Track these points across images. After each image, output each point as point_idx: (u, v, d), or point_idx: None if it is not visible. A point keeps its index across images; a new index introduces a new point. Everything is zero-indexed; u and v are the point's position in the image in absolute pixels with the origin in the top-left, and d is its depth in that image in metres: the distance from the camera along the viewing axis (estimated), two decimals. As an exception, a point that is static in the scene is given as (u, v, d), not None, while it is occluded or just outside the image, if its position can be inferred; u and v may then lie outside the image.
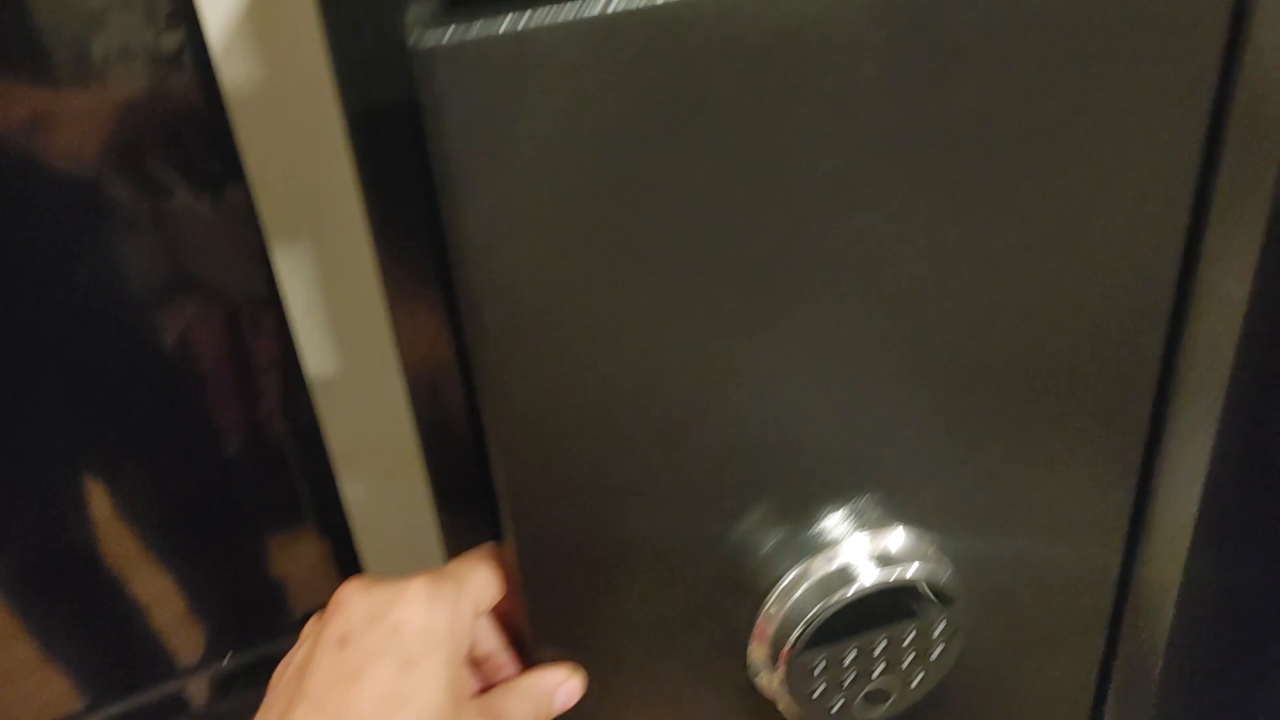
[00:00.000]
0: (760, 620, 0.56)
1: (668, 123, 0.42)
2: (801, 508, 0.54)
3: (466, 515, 0.57)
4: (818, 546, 0.55)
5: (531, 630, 0.54)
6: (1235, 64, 0.48)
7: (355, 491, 0.99)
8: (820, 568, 0.55)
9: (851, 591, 0.53)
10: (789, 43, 0.42)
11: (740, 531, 0.54)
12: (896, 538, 0.56)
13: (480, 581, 0.52)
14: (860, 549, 0.55)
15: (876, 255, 0.48)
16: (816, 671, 0.55)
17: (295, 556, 0.99)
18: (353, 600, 0.49)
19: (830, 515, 0.55)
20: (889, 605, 0.55)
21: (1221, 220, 0.52)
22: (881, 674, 0.57)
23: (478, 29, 0.39)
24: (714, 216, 0.45)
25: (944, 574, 0.56)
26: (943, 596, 0.55)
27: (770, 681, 0.56)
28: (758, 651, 0.56)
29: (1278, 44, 0.48)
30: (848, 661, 0.55)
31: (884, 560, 0.55)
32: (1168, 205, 0.51)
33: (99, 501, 0.91)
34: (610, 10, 0.40)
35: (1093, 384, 0.55)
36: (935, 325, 0.51)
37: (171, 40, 0.78)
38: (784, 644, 0.54)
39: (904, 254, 0.48)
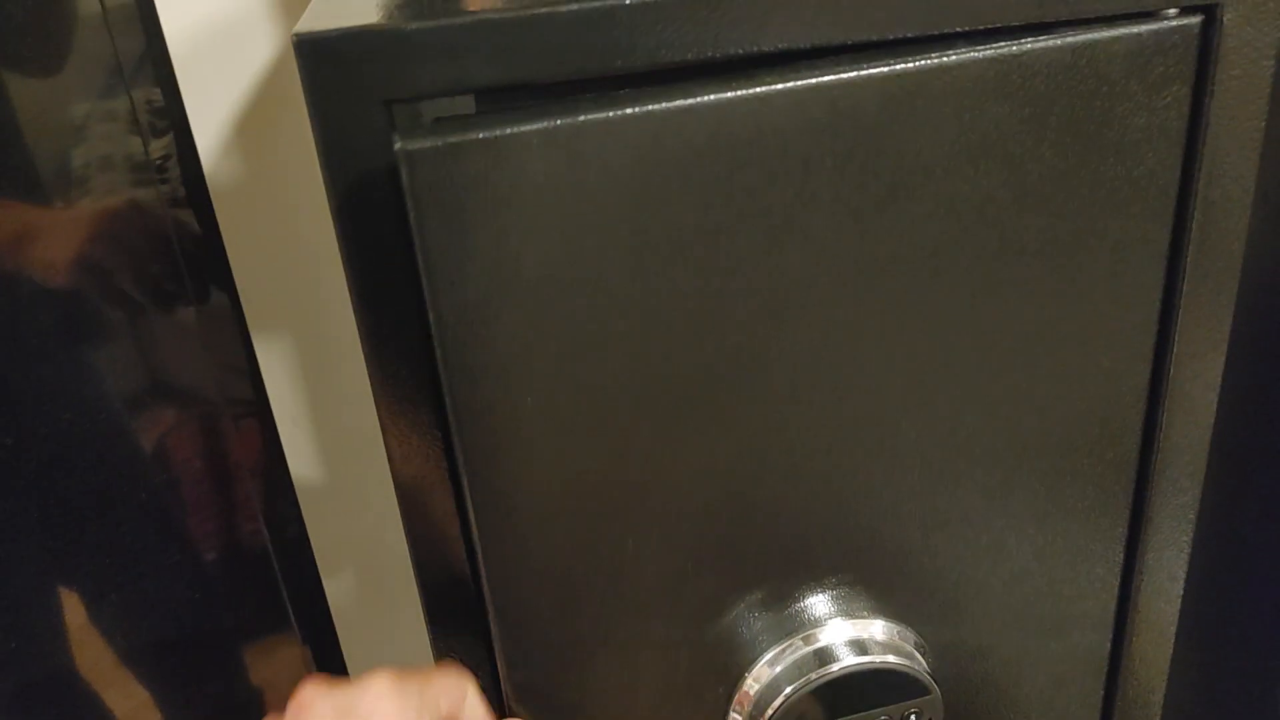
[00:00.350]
0: (738, 696, 0.56)
1: (627, 226, 0.44)
2: (783, 591, 0.54)
3: (456, 622, 0.57)
4: (797, 628, 0.55)
5: (512, 708, 0.53)
6: (1191, 185, 0.49)
7: (341, 598, 0.98)
8: (798, 649, 0.55)
9: (826, 674, 0.53)
10: (744, 154, 0.44)
11: (721, 612, 0.54)
12: (876, 625, 0.56)
13: (445, 686, 0.51)
14: (839, 634, 0.55)
15: (842, 361, 0.49)
16: None
17: (279, 665, 0.97)
18: (318, 701, 0.48)
19: (812, 599, 0.55)
20: (864, 691, 0.55)
21: (1187, 333, 0.53)
22: None
23: (457, 135, 0.41)
24: (673, 315, 0.46)
25: (920, 664, 0.55)
26: (918, 686, 0.55)
27: None
28: None
29: (1231, 162, 0.49)
30: None
31: (861, 647, 0.55)
32: (1134, 316, 0.52)
33: (77, 618, 0.90)
34: (577, 120, 0.41)
35: (1072, 486, 0.55)
36: (911, 428, 0.51)
37: (159, 147, 0.79)
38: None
39: (868, 362, 0.49)
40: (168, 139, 0.79)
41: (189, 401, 0.87)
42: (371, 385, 0.48)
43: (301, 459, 0.92)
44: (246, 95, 0.79)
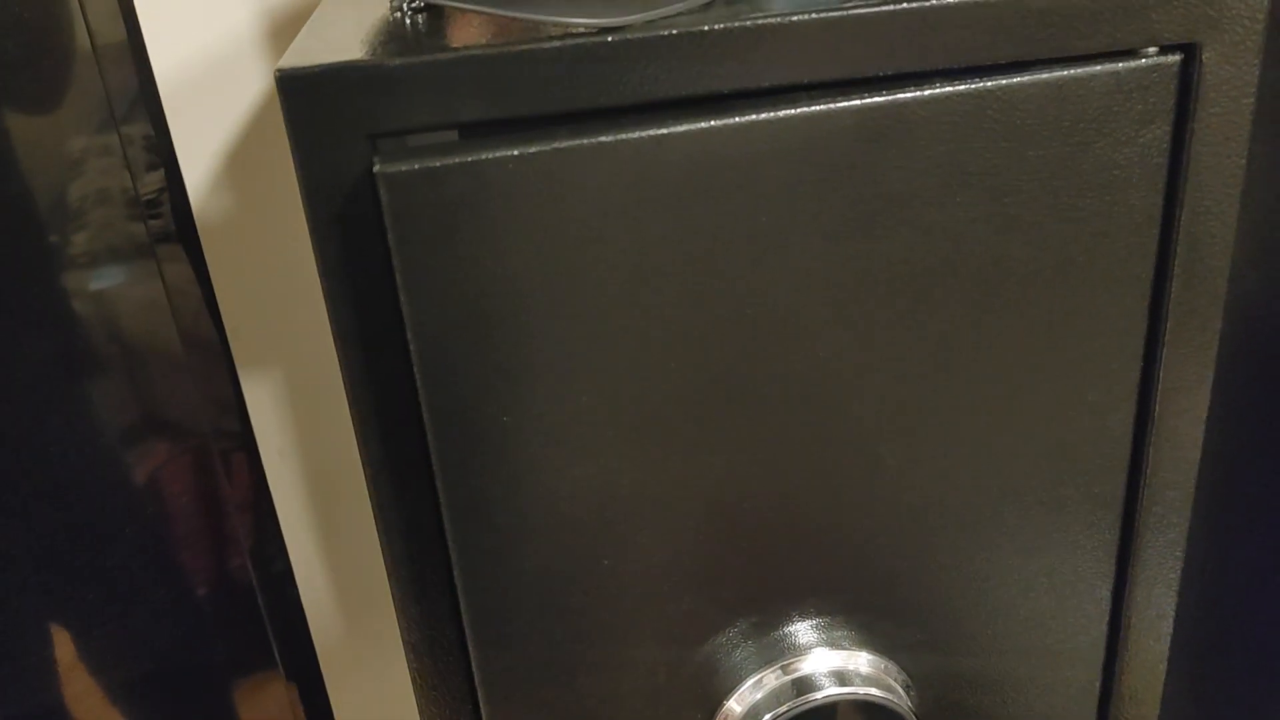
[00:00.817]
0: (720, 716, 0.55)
1: (606, 251, 0.44)
2: (766, 618, 0.54)
3: (435, 649, 0.56)
4: (779, 656, 0.55)
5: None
6: (1174, 220, 0.50)
7: (325, 634, 0.98)
8: (779, 677, 0.55)
9: (806, 703, 0.53)
10: (721, 182, 0.44)
11: (703, 636, 0.54)
12: (860, 656, 0.56)
13: None
14: (822, 663, 0.55)
15: (826, 387, 0.49)
16: None
17: (264, 701, 0.97)
18: None
19: (795, 627, 0.55)
20: (842, 714, 0.54)
21: (1172, 368, 0.53)
22: None
23: (436, 159, 0.41)
24: (651, 340, 0.46)
25: (902, 698, 0.55)
26: (896, 718, 0.55)
27: None
28: None
29: (1214, 197, 0.49)
30: None
31: (843, 678, 0.54)
32: (1119, 350, 0.52)
33: (64, 653, 0.89)
34: (555, 146, 0.42)
35: (1058, 519, 0.55)
36: (895, 456, 0.51)
37: (150, 183, 0.80)
38: None
39: (852, 389, 0.49)
40: (158, 174, 0.79)
41: (175, 435, 0.86)
42: (351, 410, 0.48)
43: (287, 493, 0.92)
44: (235, 132, 0.79)
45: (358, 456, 0.50)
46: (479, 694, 0.53)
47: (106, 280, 0.80)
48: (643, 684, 0.54)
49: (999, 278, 0.49)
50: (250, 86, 0.78)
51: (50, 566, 0.85)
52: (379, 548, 0.52)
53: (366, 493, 0.51)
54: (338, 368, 0.48)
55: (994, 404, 0.52)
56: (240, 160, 0.80)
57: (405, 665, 0.57)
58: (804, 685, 0.54)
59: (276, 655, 0.96)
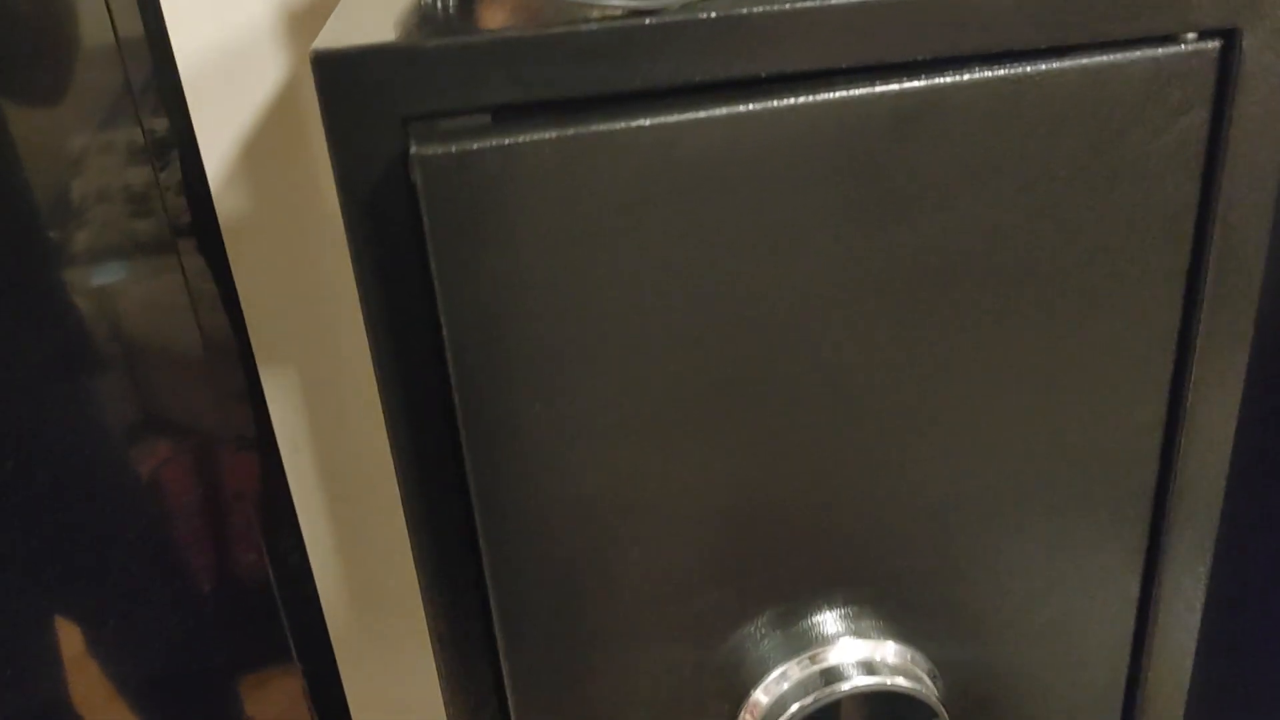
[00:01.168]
0: (743, 713, 0.55)
1: (635, 235, 0.44)
2: (793, 609, 0.54)
3: (460, 637, 0.56)
4: (806, 646, 0.55)
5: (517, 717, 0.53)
6: (1210, 211, 0.49)
7: (341, 628, 0.98)
8: (805, 667, 0.55)
9: (833, 693, 0.53)
10: (755, 167, 0.44)
11: (729, 627, 0.54)
12: (887, 646, 0.56)
13: None
14: (849, 653, 0.55)
15: (853, 377, 0.48)
16: None
17: (277, 695, 0.96)
18: None
19: (822, 617, 0.54)
20: (870, 712, 0.54)
21: (1205, 361, 0.53)
22: None
23: (471, 142, 0.41)
24: (683, 326, 0.45)
25: (929, 687, 0.55)
26: (926, 710, 0.54)
27: None
28: None
29: (1251, 189, 0.49)
30: None
31: (870, 668, 0.54)
32: (1151, 343, 0.52)
33: (73, 647, 0.89)
34: (591, 129, 0.41)
35: (1086, 514, 0.55)
36: (923, 447, 0.51)
37: (169, 175, 0.79)
38: None
39: (880, 379, 0.49)
40: (176, 166, 0.79)
41: (192, 429, 0.86)
42: (381, 399, 0.48)
43: (305, 487, 0.92)
44: (255, 121, 0.79)
45: (375, 451, 0.49)
46: (506, 685, 0.53)
47: (127, 274, 0.80)
48: (668, 677, 0.54)
49: (1030, 269, 0.48)
50: (271, 75, 0.78)
51: (59, 562, 0.85)
52: (395, 543, 0.52)
53: (382, 488, 0.51)
54: (355, 362, 0.48)
55: (1023, 398, 0.51)
56: (260, 150, 0.80)
57: (420, 658, 0.56)
58: (831, 675, 0.54)
59: (292, 649, 0.95)
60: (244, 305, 0.84)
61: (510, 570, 0.49)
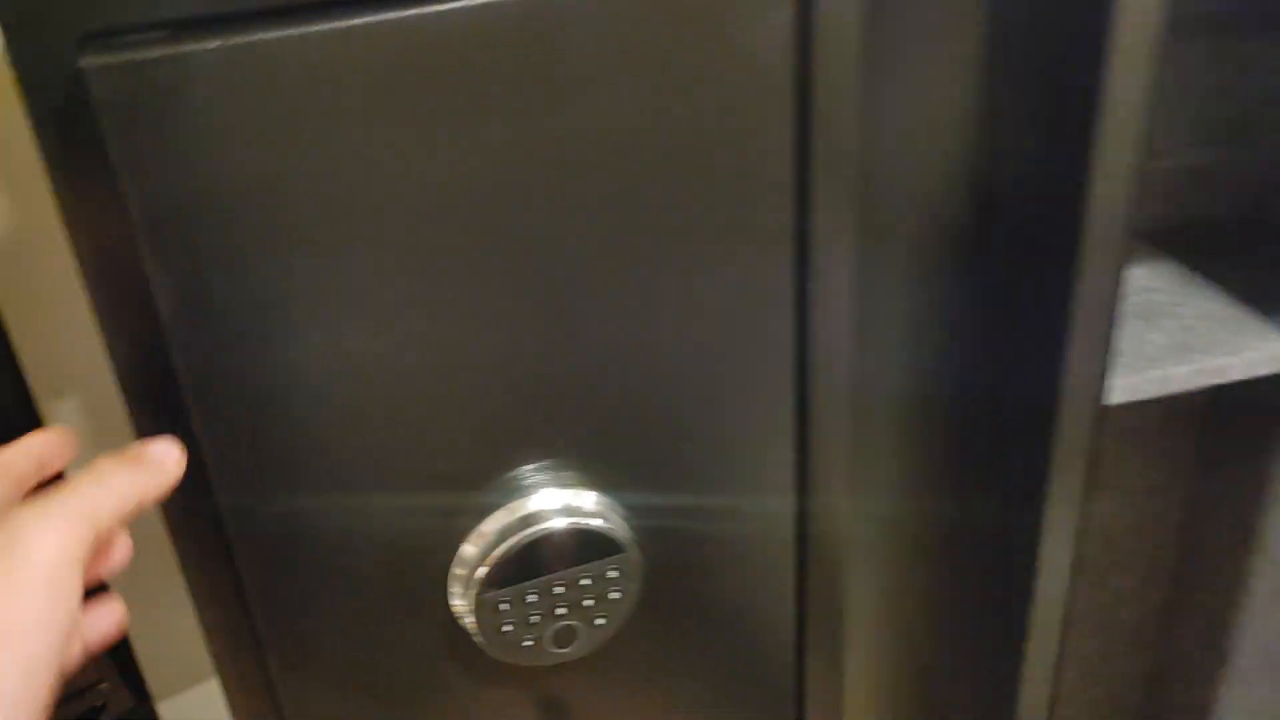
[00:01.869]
0: (455, 564, 0.62)
1: (299, 136, 0.50)
2: (493, 468, 0.61)
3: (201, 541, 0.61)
4: (507, 498, 0.62)
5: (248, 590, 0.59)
6: (808, 91, 0.58)
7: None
8: (506, 516, 0.61)
9: (529, 535, 0.60)
10: (403, 64, 0.50)
11: (444, 484, 0.61)
12: (576, 493, 0.63)
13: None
14: (544, 501, 0.62)
15: (523, 250, 0.56)
16: (504, 609, 0.61)
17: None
18: None
19: (519, 473, 0.62)
20: (567, 550, 0.62)
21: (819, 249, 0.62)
22: (565, 614, 0.63)
23: (141, 52, 0.46)
24: (348, 214, 0.52)
25: (615, 523, 0.63)
26: (615, 545, 0.62)
27: (468, 621, 0.62)
28: (458, 597, 0.63)
29: (838, 72, 0.58)
30: (531, 600, 0.62)
31: (563, 511, 0.62)
32: (770, 208, 0.60)
33: None
34: (253, 38, 0.48)
35: (735, 366, 0.64)
36: (595, 314, 0.58)
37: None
38: (473, 584, 0.61)
39: (551, 255, 0.56)
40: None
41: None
42: (94, 310, 0.53)
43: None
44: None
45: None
46: (236, 557, 0.58)
47: None
48: (388, 528, 0.61)
49: (656, 151, 0.56)
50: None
51: None
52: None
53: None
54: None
55: (666, 265, 0.59)
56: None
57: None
58: (529, 520, 0.61)
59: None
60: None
61: (227, 440, 0.55)
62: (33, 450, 0.52)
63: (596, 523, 0.62)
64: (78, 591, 0.46)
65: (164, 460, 0.52)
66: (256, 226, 0.51)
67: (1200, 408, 1.28)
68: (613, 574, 0.62)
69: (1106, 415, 0.75)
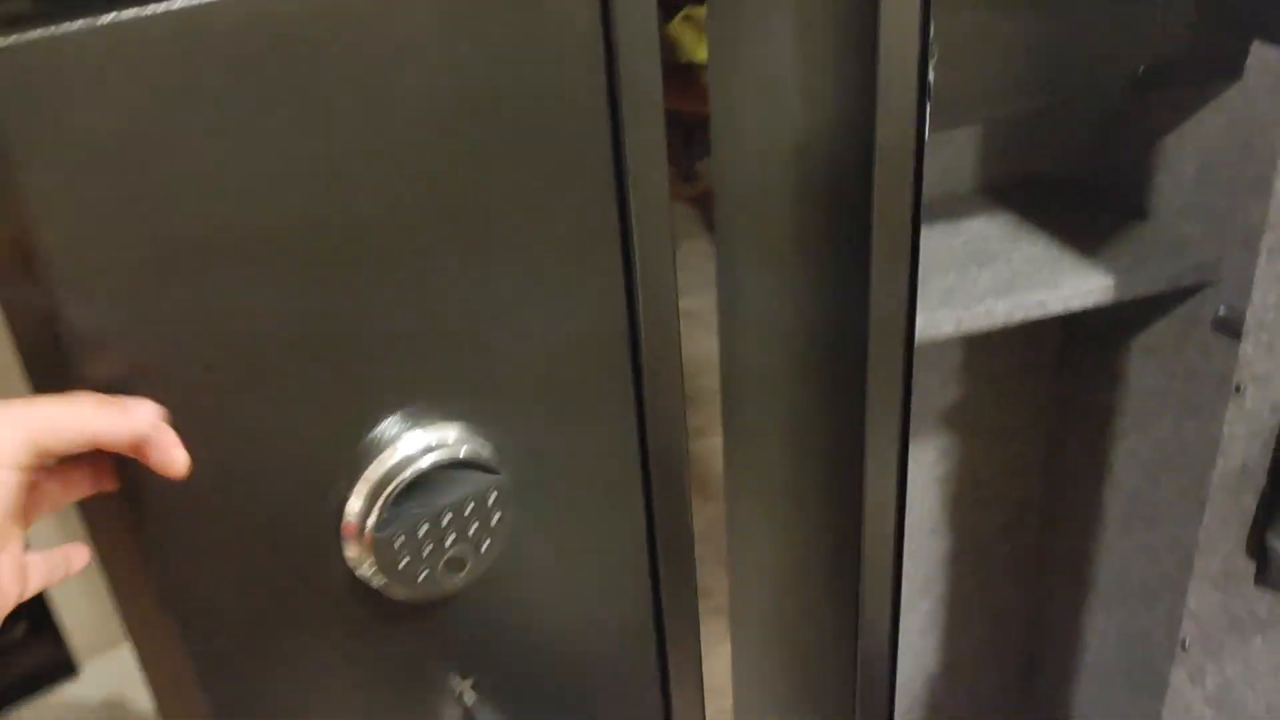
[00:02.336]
0: (344, 519, 0.67)
1: (152, 111, 0.55)
2: (364, 420, 0.67)
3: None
4: (382, 447, 0.67)
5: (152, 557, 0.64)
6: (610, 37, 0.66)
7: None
8: (385, 462, 0.66)
9: (408, 475, 0.66)
10: (236, 43, 0.55)
11: (312, 447, 0.66)
12: (445, 430, 0.68)
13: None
14: (412, 443, 0.67)
15: (344, 224, 0.61)
16: (398, 546, 0.66)
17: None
18: None
19: (383, 425, 0.67)
20: (446, 482, 0.67)
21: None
22: (454, 542, 0.68)
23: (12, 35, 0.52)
24: (198, 182, 0.57)
25: (486, 452, 0.69)
26: (487, 469, 0.69)
27: (365, 568, 0.67)
28: (351, 548, 0.67)
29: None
30: (422, 534, 0.67)
31: (436, 447, 0.67)
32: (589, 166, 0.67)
33: None
34: (102, 22, 0.53)
35: (566, 314, 0.71)
36: (437, 279, 0.65)
37: None
38: (365, 530, 0.67)
39: (363, 224, 0.61)
40: None
41: None
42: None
43: None
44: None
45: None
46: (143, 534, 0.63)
47: None
48: (278, 511, 0.66)
49: (477, 113, 0.63)
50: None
51: None
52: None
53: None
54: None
55: (494, 220, 0.66)
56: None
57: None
58: (406, 462, 0.67)
59: None
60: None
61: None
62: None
63: (470, 452, 0.68)
64: (10, 490, 0.50)
65: (135, 410, 0.56)
66: (132, 192, 0.56)
67: (1055, 352, 1.38)
68: (491, 496, 0.69)
69: (915, 348, 0.84)
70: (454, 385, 0.70)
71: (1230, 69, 1.01)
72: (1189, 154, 1.11)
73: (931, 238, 1.12)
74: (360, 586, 0.69)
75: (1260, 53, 1.00)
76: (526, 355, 0.71)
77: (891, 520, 0.94)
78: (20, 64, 0.53)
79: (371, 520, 0.66)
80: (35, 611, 1.02)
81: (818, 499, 1.05)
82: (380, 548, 0.67)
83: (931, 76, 0.81)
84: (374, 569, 0.68)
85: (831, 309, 0.90)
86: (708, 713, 0.93)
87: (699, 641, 0.88)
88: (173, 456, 0.57)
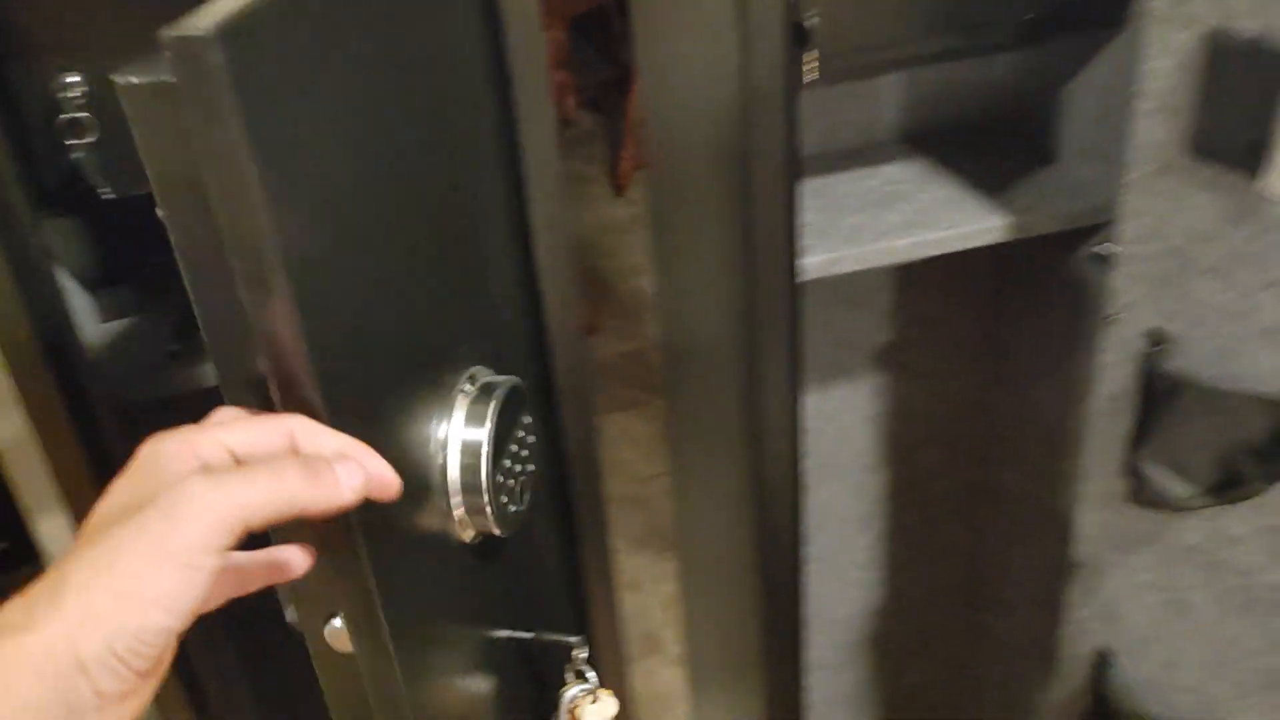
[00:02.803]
0: (450, 490, 0.66)
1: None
2: (439, 384, 0.67)
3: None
4: (451, 408, 0.67)
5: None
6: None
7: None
8: (459, 418, 0.67)
9: (498, 396, 0.68)
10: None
11: (404, 426, 0.63)
12: (480, 371, 0.70)
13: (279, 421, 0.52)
14: (470, 389, 0.69)
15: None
16: (500, 481, 0.67)
17: None
18: (163, 441, 0.50)
19: (450, 382, 0.68)
20: (510, 405, 0.69)
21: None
22: (524, 467, 0.71)
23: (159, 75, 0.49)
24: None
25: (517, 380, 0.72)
26: (522, 393, 0.71)
27: (481, 521, 0.67)
28: (458, 509, 0.67)
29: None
30: (512, 465, 0.69)
31: (489, 387, 0.69)
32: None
33: None
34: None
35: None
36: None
37: None
38: (478, 486, 0.65)
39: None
40: None
41: None
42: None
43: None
44: None
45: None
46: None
47: None
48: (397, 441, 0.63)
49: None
50: None
51: None
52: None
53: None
54: None
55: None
56: None
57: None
58: (488, 389, 0.69)
59: None
60: None
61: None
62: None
63: (504, 378, 0.71)
64: (209, 575, 0.47)
65: (343, 483, 0.51)
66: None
67: (988, 296, 1.44)
68: (527, 419, 0.72)
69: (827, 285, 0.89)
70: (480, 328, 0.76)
71: (1114, 20, 1.06)
72: (1089, 100, 1.17)
73: (847, 182, 1.19)
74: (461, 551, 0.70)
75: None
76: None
77: (788, 441, 1.01)
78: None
79: (487, 448, 0.67)
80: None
81: (732, 430, 1.12)
82: (496, 499, 0.67)
83: (813, 24, 0.87)
84: (489, 517, 0.68)
85: (741, 252, 0.97)
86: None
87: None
88: (389, 496, 0.55)
